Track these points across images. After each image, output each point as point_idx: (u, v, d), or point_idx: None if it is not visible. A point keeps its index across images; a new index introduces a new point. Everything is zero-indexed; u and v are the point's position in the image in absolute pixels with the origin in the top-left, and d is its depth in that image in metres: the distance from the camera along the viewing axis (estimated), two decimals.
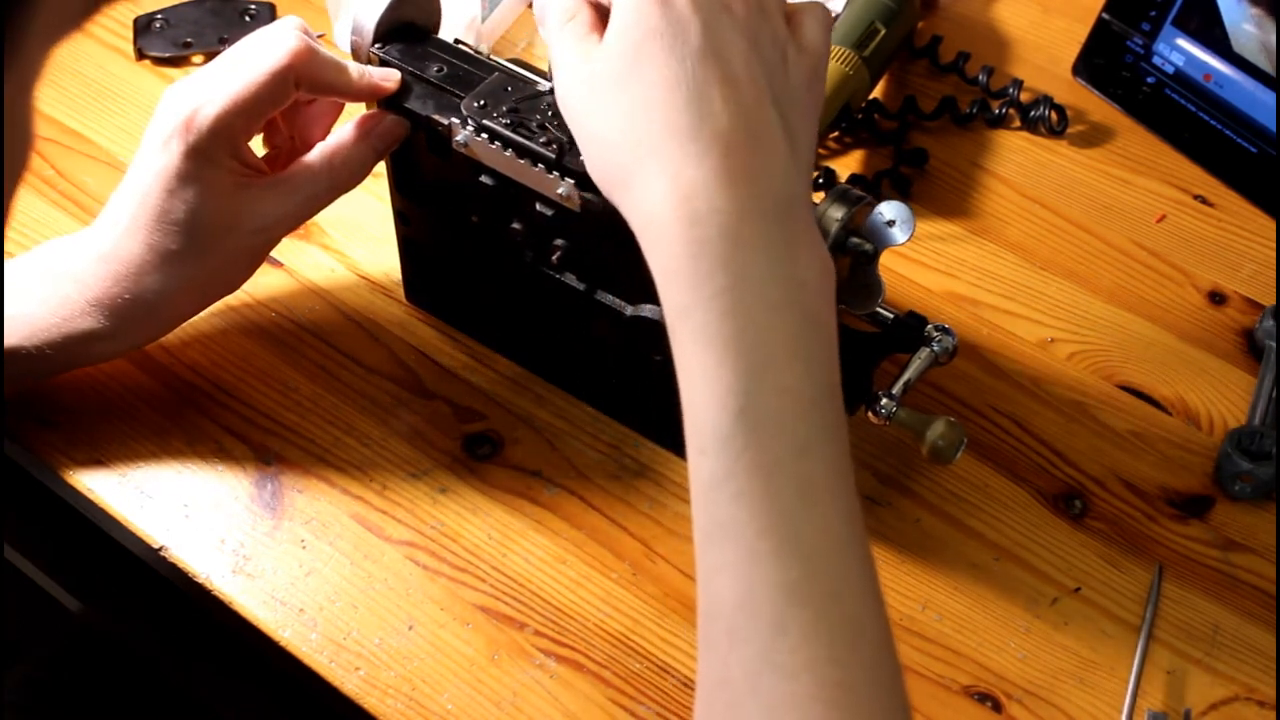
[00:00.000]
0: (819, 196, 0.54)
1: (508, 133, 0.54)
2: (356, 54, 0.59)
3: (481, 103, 0.56)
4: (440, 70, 0.57)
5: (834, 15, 0.81)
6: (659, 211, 0.45)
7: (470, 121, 0.55)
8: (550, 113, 0.55)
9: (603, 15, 0.49)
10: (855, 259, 0.54)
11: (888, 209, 0.53)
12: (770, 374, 0.43)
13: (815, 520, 0.42)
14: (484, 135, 0.55)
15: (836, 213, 0.53)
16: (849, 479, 0.44)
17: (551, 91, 0.56)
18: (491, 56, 0.59)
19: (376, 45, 0.58)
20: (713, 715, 0.43)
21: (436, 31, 0.60)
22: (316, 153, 0.59)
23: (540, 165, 0.54)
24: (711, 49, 0.45)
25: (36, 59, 0.32)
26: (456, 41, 0.59)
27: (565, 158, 0.53)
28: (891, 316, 0.59)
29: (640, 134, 0.45)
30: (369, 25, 0.58)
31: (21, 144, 0.33)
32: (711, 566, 0.43)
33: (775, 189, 0.45)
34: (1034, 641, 0.59)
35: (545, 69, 0.58)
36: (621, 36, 0.47)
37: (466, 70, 0.57)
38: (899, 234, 0.53)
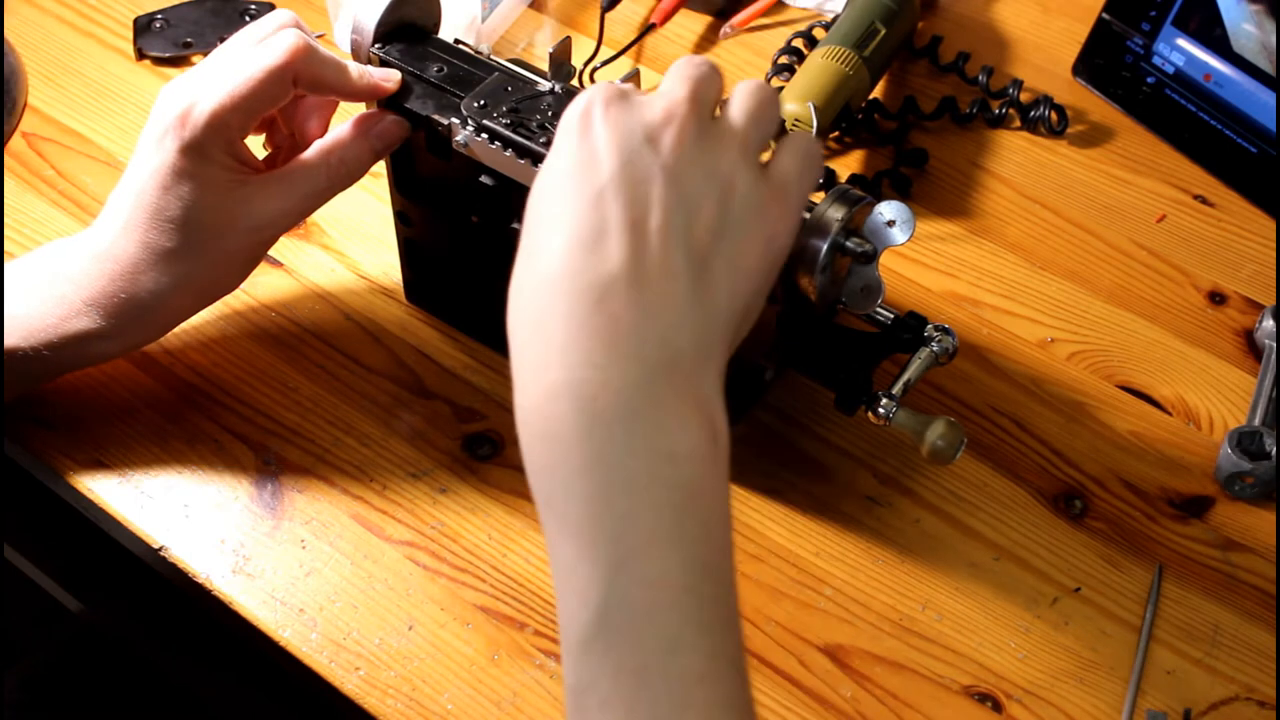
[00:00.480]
0: (818, 196, 0.54)
1: (508, 133, 0.54)
2: (356, 54, 0.59)
3: (481, 103, 0.56)
4: (440, 70, 0.57)
5: (833, 16, 0.81)
6: (522, 382, 0.42)
7: (470, 121, 0.55)
8: (550, 113, 0.55)
9: None
10: (856, 259, 0.54)
11: (888, 209, 0.53)
12: (634, 565, 0.39)
13: None
14: (484, 135, 0.55)
15: (836, 213, 0.53)
16: (733, 664, 0.40)
17: (551, 91, 0.57)
18: (491, 56, 0.59)
19: (376, 45, 0.58)
20: None
21: (436, 31, 0.60)
22: (314, 150, 0.58)
23: (540, 165, 0.54)
24: (620, 186, 0.42)
25: None
26: (456, 41, 0.59)
27: None
28: (891, 316, 0.59)
29: (529, 287, 0.42)
30: (369, 25, 0.58)
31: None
32: None
33: (651, 347, 0.41)
34: (1034, 641, 0.59)
35: (545, 69, 0.58)
36: (543, 175, 0.44)
37: (467, 70, 0.58)
38: (899, 234, 0.53)
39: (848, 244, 0.53)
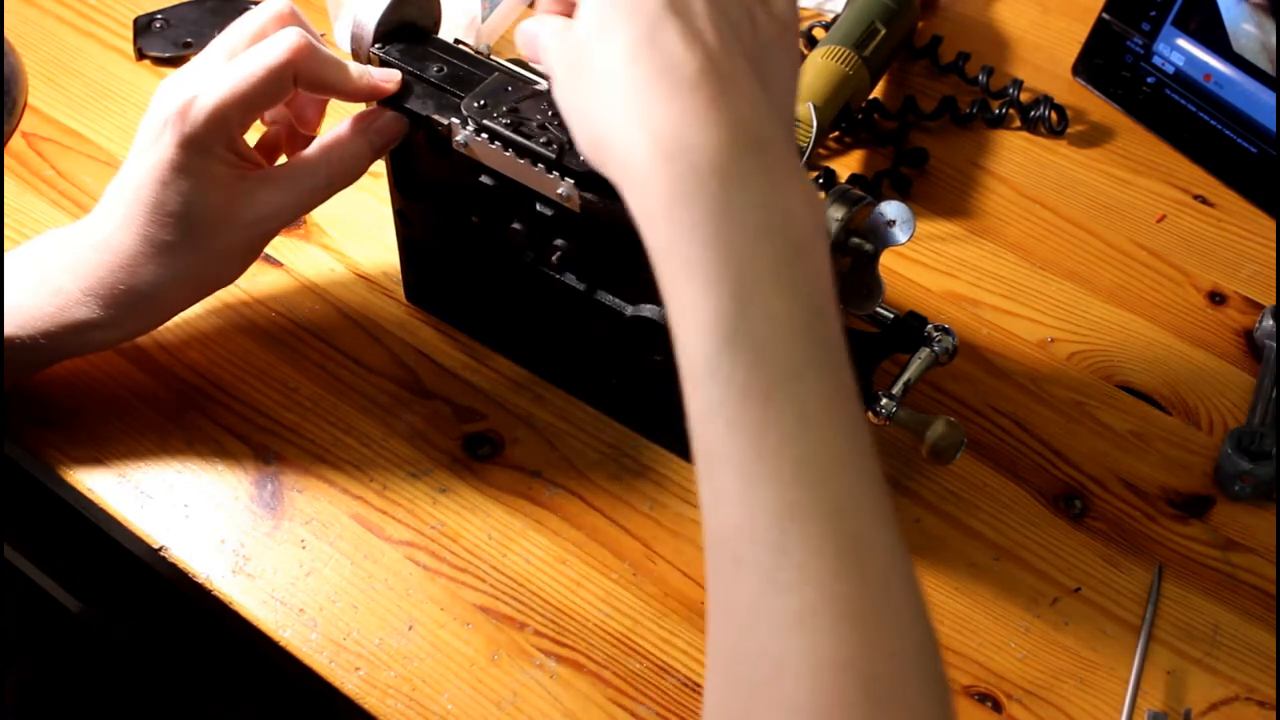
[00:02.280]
0: (819, 196, 0.54)
1: (508, 133, 0.54)
2: (357, 53, 0.59)
3: (481, 103, 0.56)
4: (440, 70, 0.57)
5: (833, 16, 0.81)
6: (634, 156, 0.45)
7: (470, 121, 0.55)
8: (550, 113, 0.55)
9: None
10: (856, 259, 0.54)
11: (888, 209, 0.53)
12: (757, 300, 0.42)
13: (813, 441, 0.42)
14: (484, 135, 0.55)
15: (837, 213, 0.53)
16: (851, 401, 0.43)
17: (550, 91, 0.57)
18: (492, 56, 0.59)
19: (377, 45, 0.58)
20: (723, 644, 0.42)
21: (436, 31, 0.60)
22: (315, 147, 0.59)
23: (540, 165, 0.54)
24: (672, 9, 0.46)
25: None
26: (456, 41, 0.59)
27: (565, 158, 0.53)
28: (891, 316, 0.59)
29: (613, 95, 0.46)
30: (369, 25, 0.58)
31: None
32: (712, 495, 0.43)
33: (749, 126, 0.45)
34: (1034, 641, 0.59)
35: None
36: (587, 15, 0.47)
37: (467, 70, 0.57)
38: (899, 234, 0.53)
39: (848, 244, 0.53)
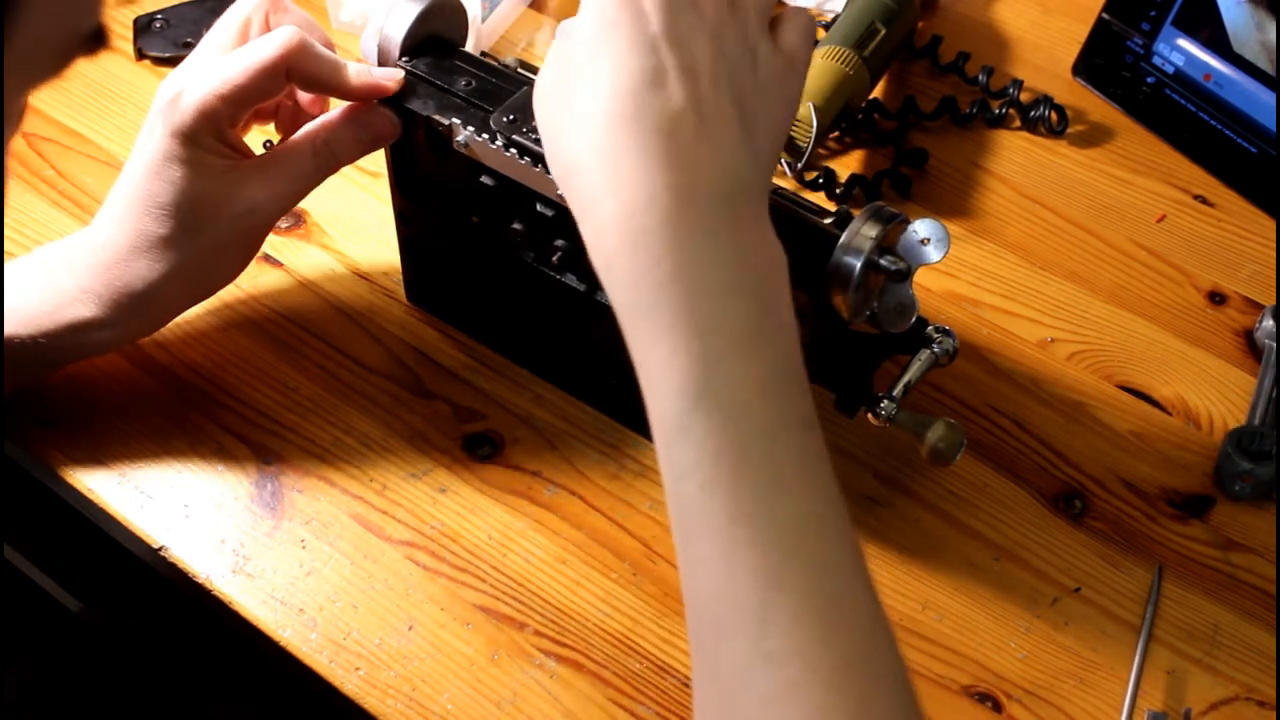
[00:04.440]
0: (820, 206, 0.54)
1: (539, 149, 0.54)
2: (383, 64, 0.59)
3: (510, 117, 0.55)
4: (468, 84, 0.57)
5: (833, 16, 0.81)
6: (597, 204, 0.44)
7: (499, 136, 0.55)
8: None
9: None
10: (889, 277, 0.53)
11: (922, 227, 0.53)
12: (728, 360, 0.42)
13: (789, 503, 0.41)
14: (513, 150, 0.55)
15: (870, 230, 0.52)
16: (823, 459, 0.43)
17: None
18: (519, 69, 0.58)
19: (404, 59, 0.58)
20: (709, 710, 0.42)
21: (463, 44, 0.60)
22: (301, 133, 0.59)
23: (540, 166, 0.54)
24: (671, 38, 0.45)
25: (8, 107, 0.32)
26: (483, 54, 0.59)
27: None
28: None
29: (589, 122, 0.45)
30: (396, 38, 0.57)
31: None
32: (690, 560, 0.42)
33: (721, 177, 0.44)
34: (1034, 641, 0.59)
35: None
36: (583, 26, 0.46)
37: (494, 84, 0.57)
38: (934, 252, 0.53)
39: (881, 261, 0.52)
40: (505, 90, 0.57)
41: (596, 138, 0.44)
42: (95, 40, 0.37)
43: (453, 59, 0.58)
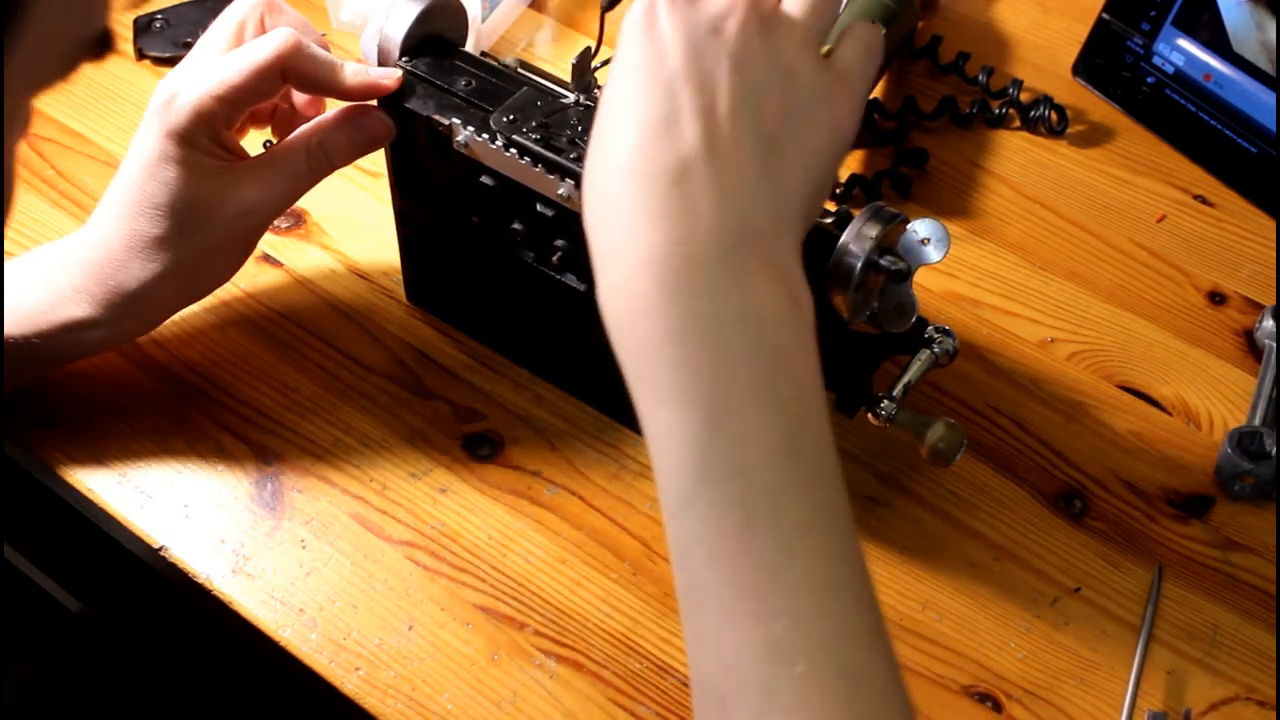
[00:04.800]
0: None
1: (539, 149, 0.54)
2: (383, 64, 0.59)
3: (511, 117, 0.55)
4: (468, 84, 0.57)
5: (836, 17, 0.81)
6: (607, 265, 0.43)
7: (500, 136, 0.55)
8: (580, 127, 0.55)
9: None
10: (889, 277, 0.53)
11: (922, 227, 0.53)
12: (730, 423, 0.40)
13: (797, 571, 0.39)
14: (513, 151, 0.55)
15: (870, 230, 0.52)
16: (839, 516, 0.41)
17: (578, 104, 0.57)
18: (519, 69, 0.58)
19: (404, 58, 0.58)
20: None
21: (463, 44, 0.60)
22: (296, 134, 0.59)
23: (541, 166, 0.54)
24: (689, 75, 0.43)
25: (12, 112, 0.32)
26: (483, 54, 0.59)
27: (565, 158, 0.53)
28: None
29: (605, 177, 0.44)
30: (396, 38, 0.57)
31: (4, 194, 0.34)
32: (695, 632, 0.41)
33: (730, 222, 0.42)
34: (1034, 641, 0.59)
35: (567, 79, 0.58)
36: (612, 71, 0.45)
37: (495, 84, 0.57)
38: (934, 252, 0.53)
39: (881, 261, 0.52)
40: (505, 90, 0.57)
41: (608, 192, 0.43)
42: (101, 44, 0.37)
43: (453, 59, 0.58)
